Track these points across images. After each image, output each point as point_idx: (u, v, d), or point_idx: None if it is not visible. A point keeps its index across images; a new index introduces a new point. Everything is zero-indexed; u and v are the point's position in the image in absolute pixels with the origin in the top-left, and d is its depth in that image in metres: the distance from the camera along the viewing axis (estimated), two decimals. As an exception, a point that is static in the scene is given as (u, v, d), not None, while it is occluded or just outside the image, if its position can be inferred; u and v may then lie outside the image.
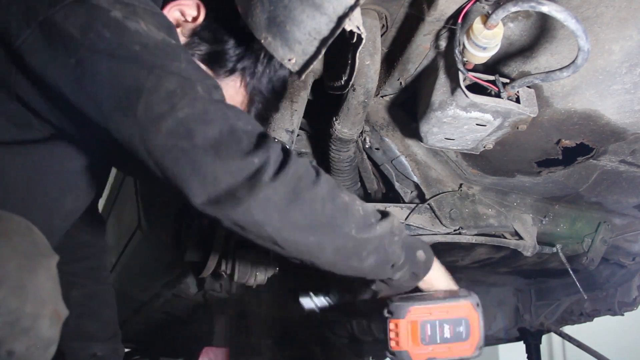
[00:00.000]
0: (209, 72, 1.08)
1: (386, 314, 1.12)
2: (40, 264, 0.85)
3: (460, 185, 1.70)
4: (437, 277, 1.19)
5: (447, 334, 1.12)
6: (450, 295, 1.17)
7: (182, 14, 1.09)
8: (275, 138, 1.00)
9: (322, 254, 0.97)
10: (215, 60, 1.10)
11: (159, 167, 0.88)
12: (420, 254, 1.14)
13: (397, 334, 1.11)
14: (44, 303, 0.84)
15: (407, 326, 1.11)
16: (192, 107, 0.86)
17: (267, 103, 1.18)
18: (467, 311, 1.13)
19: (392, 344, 1.11)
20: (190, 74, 0.90)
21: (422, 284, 1.18)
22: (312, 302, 1.31)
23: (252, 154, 0.89)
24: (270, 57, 1.11)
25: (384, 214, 1.07)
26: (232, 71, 1.12)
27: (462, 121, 1.24)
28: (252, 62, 1.12)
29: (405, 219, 1.59)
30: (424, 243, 1.18)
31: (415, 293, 1.19)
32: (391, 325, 1.12)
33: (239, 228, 0.91)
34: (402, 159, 1.63)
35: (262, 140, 0.92)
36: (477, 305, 1.14)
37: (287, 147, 0.98)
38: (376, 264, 1.04)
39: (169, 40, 0.92)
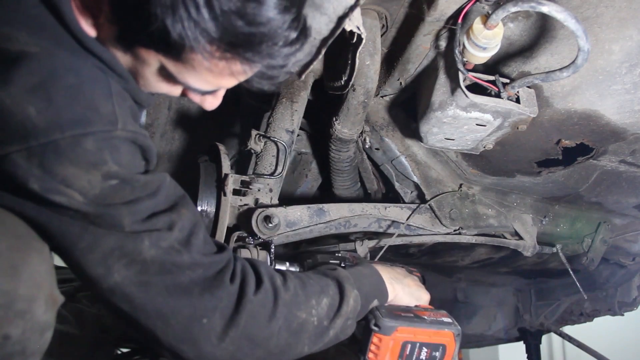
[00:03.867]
0: (125, 56, 0.88)
1: (372, 327, 1.16)
2: (33, 246, 0.82)
3: (460, 185, 1.70)
4: (399, 295, 1.26)
5: (423, 356, 1.17)
6: (437, 319, 1.21)
7: (93, 19, 0.86)
8: (235, 262, 0.99)
9: None
10: (130, 39, 0.86)
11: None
12: (374, 304, 1.20)
13: (378, 348, 1.15)
14: (39, 286, 0.81)
15: (389, 344, 1.15)
16: (128, 269, 0.85)
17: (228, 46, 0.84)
18: (447, 340, 1.18)
19: (371, 355, 1.16)
20: (136, 226, 0.85)
21: (390, 298, 1.25)
22: (285, 268, 1.39)
23: (197, 314, 0.90)
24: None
25: (342, 301, 1.09)
26: (146, 45, 0.86)
27: (462, 121, 1.24)
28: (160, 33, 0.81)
29: (407, 219, 1.59)
30: (377, 284, 1.23)
31: (403, 306, 1.26)
32: (375, 339, 1.16)
33: None
34: (402, 159, 1.63)
35: (210, 288, 0.92)
36: (458, 335, 1.19)
37: (245, 280, 0.97)
38: (332, 344, 1.10)
39: (114, 186, 0.83)
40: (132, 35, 0.83)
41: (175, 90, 0.93)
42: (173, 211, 0.91)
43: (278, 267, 1.38)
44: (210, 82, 0.87)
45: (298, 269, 1.38)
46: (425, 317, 1.20)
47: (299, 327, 1.01)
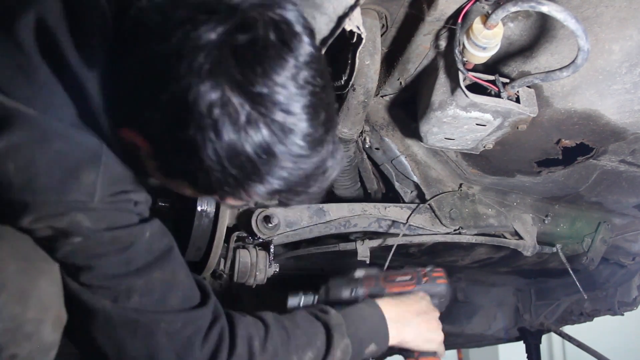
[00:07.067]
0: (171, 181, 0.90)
1: None
2: (41, 268, 0.83)
3: (460, 185, 1.70)
4: (406, 338, 1.24)
5: None
6: None
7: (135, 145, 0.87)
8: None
9: None
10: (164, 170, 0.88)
11: None
12: (371, 348, 1.17)
13: None
14: (47, 308, 0.82)
15: None
16: (91, 318, 0.88)
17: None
18: None
19: None
20: (94, 281, 0.87)
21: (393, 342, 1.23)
22: (299, 301, 1.35)
23: None
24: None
25: (327, 354, 1.08)
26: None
27: (462, 121, 1.24)
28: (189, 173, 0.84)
29: (407, 219, 1.59)
30: (376, 327, 1.20)
31: None
32: None
33: None
34: (402, 158, 1.62)
35: (180, 350, 0.92)
36: None
37: (218, 347, 0.96)
38: None
39: (76, 243, 0.84)
40: (172, 173, 0.84)
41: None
42: (141, 275, 0.88)
43: (291, 300, 1.34)
44: (241, 202, 0.87)
45: (313, 298, 1.35)
46: None
47: None
